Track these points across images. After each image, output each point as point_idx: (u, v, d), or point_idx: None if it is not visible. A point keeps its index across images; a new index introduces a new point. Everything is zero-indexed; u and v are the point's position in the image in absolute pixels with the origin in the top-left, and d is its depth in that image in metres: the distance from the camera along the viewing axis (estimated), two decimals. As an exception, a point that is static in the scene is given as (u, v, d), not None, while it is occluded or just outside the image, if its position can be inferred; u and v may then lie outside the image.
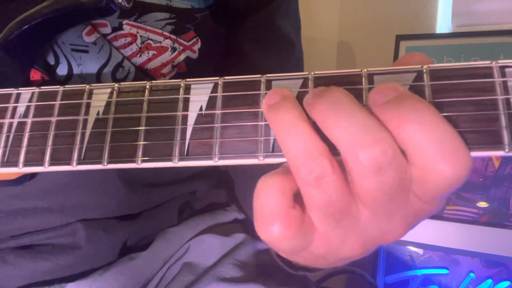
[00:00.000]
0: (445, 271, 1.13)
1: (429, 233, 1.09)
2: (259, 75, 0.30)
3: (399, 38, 1.24)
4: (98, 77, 0.49)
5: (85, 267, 0.51)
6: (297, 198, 0.28)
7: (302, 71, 0.67)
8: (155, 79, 0.54)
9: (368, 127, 0.24)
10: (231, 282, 0.52)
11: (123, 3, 0.38)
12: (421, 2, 1.36)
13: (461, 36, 1.20)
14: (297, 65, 0.65)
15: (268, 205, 0.27)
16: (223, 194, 0.68)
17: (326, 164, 0.25)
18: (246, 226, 0.65)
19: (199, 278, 0.53)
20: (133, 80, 0.52)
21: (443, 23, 1.33)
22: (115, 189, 0.53)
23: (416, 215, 0.28)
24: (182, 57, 0.55)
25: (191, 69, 0.57)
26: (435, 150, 0.24)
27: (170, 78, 0.56)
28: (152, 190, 0.57)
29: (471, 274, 1.11)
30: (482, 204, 1.09)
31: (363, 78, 0.28)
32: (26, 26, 0.37)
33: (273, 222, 0.27)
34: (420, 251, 1.16)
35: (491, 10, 1.26)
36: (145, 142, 0.30)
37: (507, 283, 1.08)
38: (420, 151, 0.24)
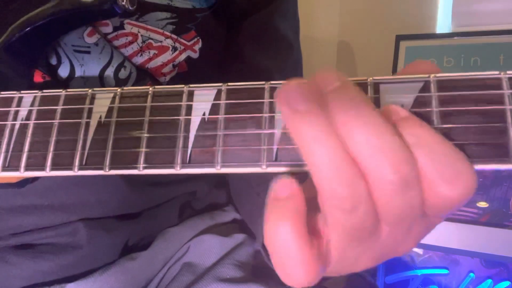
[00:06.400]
0: (445, 271, 1.12)
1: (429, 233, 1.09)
2: (263, 82, 0.30)
3: (399, 38, 1.23)
4: (100, 77, 0.49)
5: (86, 267, 0.51)
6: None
7: (301, 72, 0.68)
8: (156, 78, 0.54)
9: (396, 144, 0.23)
10: (231, 282, 0.52)
11: (126, 6, 0.38)
12: (421, 2, 1.36)
13: (461, 36, 1.19)
14: (295, 66, 0.65)
15: (288, 254, 0.25)
16: (223, 194, 0.68)
17: (363, 190, 0.24)
18: (245, 226, 0.65)
19: (199, 278, 0.53)
20: (135, 80, 0.51)
21: (443, 23, 1.33)
22: (117, 187, 0.52)
23: (427, 228, 0.28)
24: (183, 56, 0.55)
25: (192, 68, 0.56)
26: (436, 173, 0.23)
27: (171, 78, 0.56)
28: (153, 189, 0.57)
29: (471, 274, 1.10)
30: (482, 204, 1.09)
31: (369, 86, 0.28)
32: (29, 28, 0.36)
33: (297, 271, 0.25)
34: (420, 251, 1.15)
35: (491, 10, 1.25)
36: (147, 149, 0.30)
37: (507, 283, 1.08)
38: (423, 174, 0.24)
